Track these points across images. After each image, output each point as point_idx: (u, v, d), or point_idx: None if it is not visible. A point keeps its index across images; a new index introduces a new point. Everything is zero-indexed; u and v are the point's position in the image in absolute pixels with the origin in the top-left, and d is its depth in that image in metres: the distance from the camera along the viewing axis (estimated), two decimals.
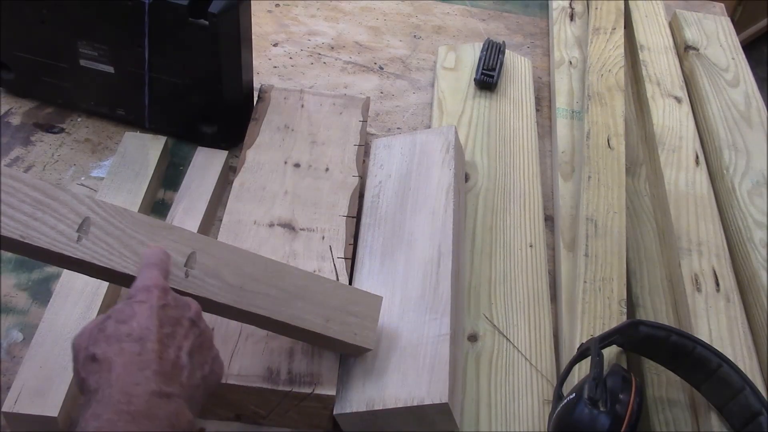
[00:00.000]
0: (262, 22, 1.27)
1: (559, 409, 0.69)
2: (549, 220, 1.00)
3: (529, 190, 1.01)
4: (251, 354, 0.74)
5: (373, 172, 0.97)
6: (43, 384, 0.71)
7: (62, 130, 1.04)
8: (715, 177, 1.03)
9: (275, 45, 1.24)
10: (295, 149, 0.97)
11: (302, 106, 1.03)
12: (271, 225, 0.87)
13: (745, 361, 0.80)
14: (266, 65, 1.19)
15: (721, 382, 0.73)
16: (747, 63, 1.22)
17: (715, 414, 0.75)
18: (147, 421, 0.53)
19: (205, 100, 0.98)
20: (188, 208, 0.91)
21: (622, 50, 1.21)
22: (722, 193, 1.00)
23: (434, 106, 1.13)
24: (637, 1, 1.33)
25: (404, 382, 0.72)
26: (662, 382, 0.80)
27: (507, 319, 0.86)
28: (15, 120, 1.04)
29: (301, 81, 1.18)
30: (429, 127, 1.12)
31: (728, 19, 1.34)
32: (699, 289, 0.86)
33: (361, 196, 0.94)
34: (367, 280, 0.83)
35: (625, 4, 1.32)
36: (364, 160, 0.99)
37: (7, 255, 0.87)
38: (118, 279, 0.65)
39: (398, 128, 1.12)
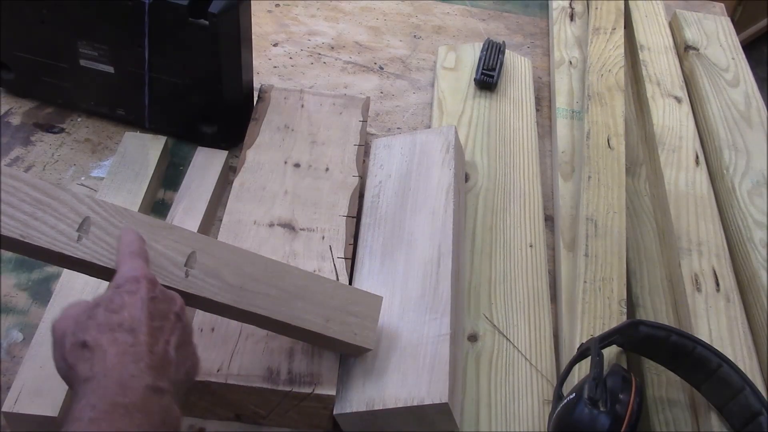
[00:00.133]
0: (262, 22, 1.27)
1: (559, 409, 0.69)
2: (549, 220, 1.00)
3: (529, 190, 1.01)
4: (251, 354, 0.74)
5: (373, 172, 0.97)
6: (43, 384, 0.71)
7: (62, 130, 1.04)
8: (715, 177, 1.03)
9: (275, 45, 1.24)
10: (295, 149, 0.97)
11: (302, 106, 1.03)
12: (271, 225, 0.87)
13: (745, 361, 0.80)
14: (266, 65, 1.19)
15: (721, 382, 0.73)
16: (747, 63, 1.22)
17: (715, 414, 0.75)
18: (141, 415, 0.52)
19: (205, 100, 0.98)
20: (188, 208, 0.91)
21: (622, 50, 1.21)
22: (722, 193, 1.00)
23: (434, 106, 1.13)
24: (637, 1, 1.33)
25: (404, 382, 0.72)
26: (662, 382, 0.80)
27: (507, 319, 0.86)
28: (15, 120, 1.04)
29: (301, 81, 1.18)
30: (429, 127, 1.12)
31: (728, 19, 1.34)
32: (699, 289, 0.86)
33: (361, 196, 0.94)
34: (367, 280, 0.83)
35: (625, 4, 1.32)
36: (364, 160, 0.99)
37: (7, 255, 0.87)
38: None
39: (398, 128, 1.12)
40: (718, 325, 0.83)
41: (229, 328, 0.75)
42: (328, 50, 1.25)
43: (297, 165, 0.95)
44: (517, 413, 0.78)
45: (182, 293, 0.65)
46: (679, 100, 1.14)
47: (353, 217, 0.90)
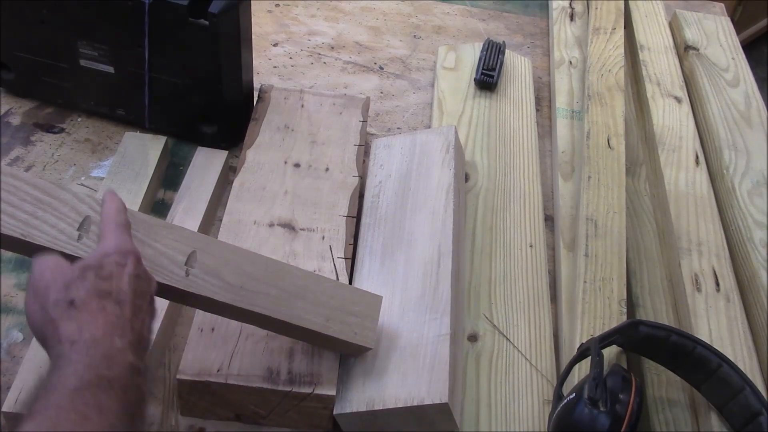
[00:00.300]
0: (262, 22, 1.27)
1: (559, 409, 0.69)
2: (549, 220, 1.00)
3: (529, 190, 1.01)
4: (251, 354, 0.74)
5: (373, 172, 0.97)
6: None
7: (62, 130, 1.04)
8: (715, 177, 1.03)
9: (275, 45, 1.24)
10: (295, 149, 0.97)
11: (302, 106, 1.03)
12: (271, 225, 0.87)
13: (745, 361, 0.80)
14: (266, 65, 1.19)
15: (721, 382, 0.73)
16: (747, 63, 1.22)
17: (715, 414, 0.75)
18: (121, 391, 0.52)
19: (205, 100, 0.98)
20: (188, 208, 0.91)
21: (622, 50, 1.21)
22: (722, 193, 1.00)
23: (434, 106, 1.13)
24: (637, 1, 1.33)
25: (404, 382, 0.72)
26: (662, 382, 0.80)
27: (507, 319, 0.86)
28: (15, 120, 1.04)
29: (301, 81, 1.18)
30: (429, 127, 1.12)
31: (728, 19, 1.34)
32: (699, 289, 0.86)
33: (361, 196, 0.94)
34: (367, 280, 0.83)
35: (625, 4, 1.32)
36: (364, 160, 0.99)
37: (8, 255, 0.87)
38: None
39: (398, 128, 1.12)
40: (718, 325, 0.83)
41: (229, 328, 0.75)
42: (328, 50, 1.25)
43: (297, 165, 0.95)
44: (517, 413, 0.78)
45: (182, 292, 0.65)
46: (679, 100, 1.14)
47: (353, 217, 0.90)
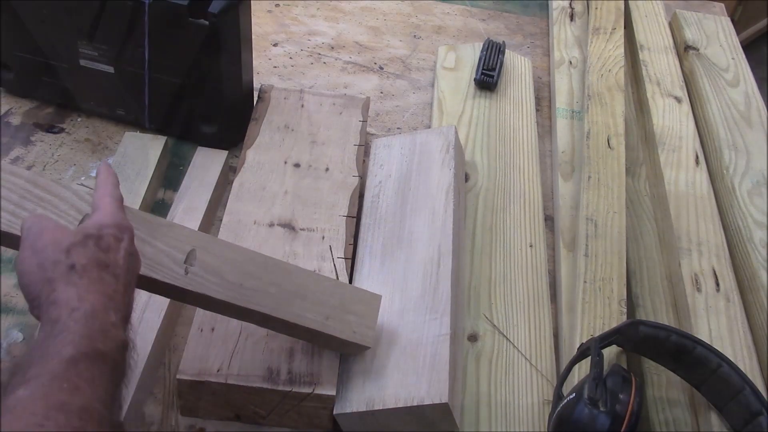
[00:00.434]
0: (262, 22, 1.27)
1: (559, 409, 0.69)
2: (549, 220, 1.00)
3: (529, 190, 1.01)
4: (251, 354, 0.74)
5: (373, 172, 0.97)
6: None
7: (62, 130, 1.04)
8: (715, 177, 1.03)
9: (275, 45, 1.24)
10: (295, 149, 0.97)
11: (302, 106, 1.03)
12: (271, 225, 0.87)
13: (745, 361, 0.80)
14: (266, 65, 1.19)
15: (721, 382, 0.73)
16: (747, 63, 1.22)
17: (715, 414, 0.75)
18: (112, 366, 0.52)
19: (205, 100, 0.98)
20: (188, 208, 0.91)
21: (622, 50, 1.21)
22: (722, 193, 1.00)
23: (434, 106, 1.13)
24: (637, 1, 1.33)
25: (404, 381, 0.72)
26: (662, 382, 0.80)
27: (507, 319, 0.86)
28: (15, 120, 1.04)
29: (301, 81, 1.18)
30: (429, 127, 1.12)
31: (728, 19, 1.34)
32: (699, 289, 0.86)
33: (361, 196, 0.94)
34: (367, 280, 0.83)
35: (625, 4, 1.32)
36: (364, 160, 0.99)
37: (7, 255, 0.87)
38: None
39: (398, 128, 1.12)
40: (718, 325, 0.83)
41: (229, 328, 0.75)
42: (328, 50, 1.25)
43: (297, 165, 0.95)
44: (517, 413, 0.78)
45: (182, 290, 0.65)
46: (679, 100, 1.14)
47: (353, 217, 0.90)
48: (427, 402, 0.70)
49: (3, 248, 0.86)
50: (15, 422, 0.46)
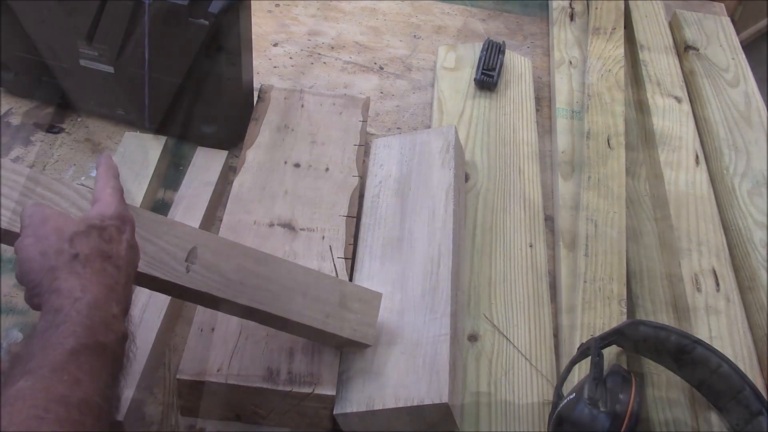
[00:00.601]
0: (262, 22, 1.27)
1: (559, 409, 0.69)
2: (549, 220, 1.00)
3: (529, 190, 1.01)
4: (251, 354, 0.74)
5: (373, 171, 0.97)
6: None
7: (62, 130, 1.04)
8: (715, 177, 1.03)
9: (275, 45, 1.24)
10: (295, 149, 0.97)
11: (302, 106, 1.03)
12: (271, 225, 0.87)
13: (745, 361, 0.80)
14: (266, 65, 1.19)
15: (721, 382, 0.73)
16: (747, 63, 1.22)
17: (715, 414, 0.75)
18: (112, 359, 0.52)
19: (205, 100, 0.98)
20: (188, 208, 0.91)
21: (622, 50, 1.21)
22: (722, 193, 1.00)
23: (434, 106, 1.13)
24: (637, 1, 1.33)
25: (404, 382, 0.72)
26: (662, 382, 0.80)
27: (507, 319, 0.86)
28: (15, 120, 1.04)
29: (301, 81, 1.18)
30: (429, 127, 1.12)
31: (728, 19, 1.34)
32: (699, 289, 0.86)
33: (361, 196, 0.94)
34: (367, 280, 0.83)
35: (625, 4, 1.32)
36: (364, 160, 0.99)
37: (8, 254, 0.87)
38: None
39: (398, 128, 1.12)
40: (718, 325, 0.83)
41: (229, 328, 0.75)
42: (328, 50, 1.25)
43: (297, 165, 0.95)
44: (517, 413, 0.78)
45: (184, 288, 0.65)
46: (679, 100, 1.14)
47: (353, 217, 0.90)
48: (427, 402, 0.70)
49: (3, 248, 0.86)
50: (15, 414, 0.46)
